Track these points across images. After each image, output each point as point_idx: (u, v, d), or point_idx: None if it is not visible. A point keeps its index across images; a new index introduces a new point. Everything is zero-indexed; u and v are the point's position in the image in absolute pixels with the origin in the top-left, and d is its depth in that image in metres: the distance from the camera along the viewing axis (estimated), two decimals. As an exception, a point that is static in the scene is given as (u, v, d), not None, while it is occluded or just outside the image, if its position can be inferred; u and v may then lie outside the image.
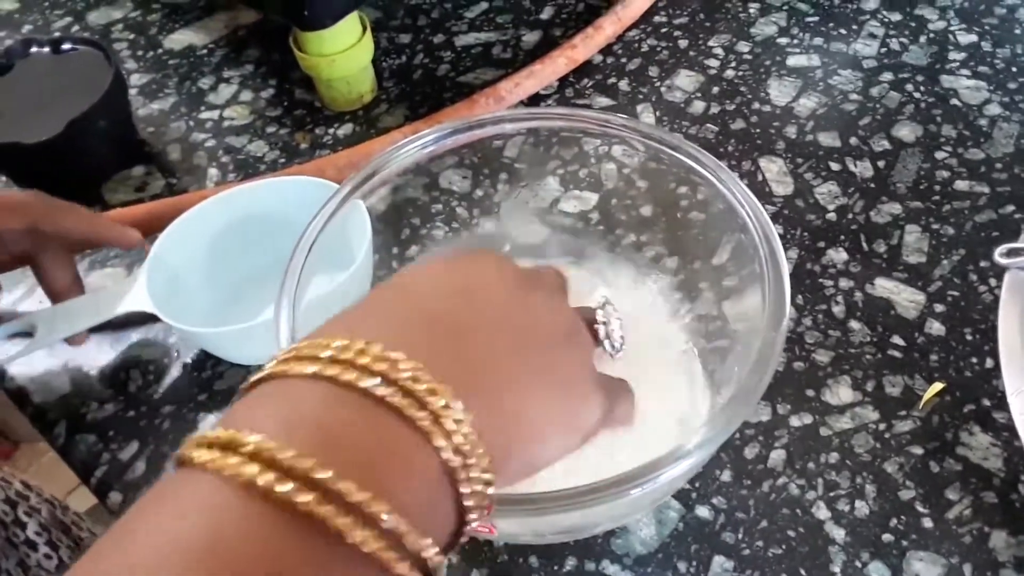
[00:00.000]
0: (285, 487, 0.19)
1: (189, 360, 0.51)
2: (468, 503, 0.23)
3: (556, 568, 0.42)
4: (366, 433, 0.21)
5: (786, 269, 0.37)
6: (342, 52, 0.60)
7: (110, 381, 0.50)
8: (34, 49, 0.62)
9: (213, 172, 0.61)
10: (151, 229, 0.52)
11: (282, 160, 0.62)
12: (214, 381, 0.50)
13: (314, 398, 0.21)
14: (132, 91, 0.68)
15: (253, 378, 0.23)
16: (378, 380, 0.22)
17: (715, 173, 0.41)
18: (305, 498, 0.19)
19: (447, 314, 0.26)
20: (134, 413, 0.49)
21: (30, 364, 0.52)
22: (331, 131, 0.63)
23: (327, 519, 0.19)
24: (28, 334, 0.49)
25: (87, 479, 0.47)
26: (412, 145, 0.45)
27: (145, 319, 0.51)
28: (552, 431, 0.28)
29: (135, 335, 0.52)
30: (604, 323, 0.35)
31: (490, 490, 0.24)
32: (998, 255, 0.39)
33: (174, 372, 0.51)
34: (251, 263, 0.52)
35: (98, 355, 0.52)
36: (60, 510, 0.59)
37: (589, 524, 0.41)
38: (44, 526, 0.55)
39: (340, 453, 0.20)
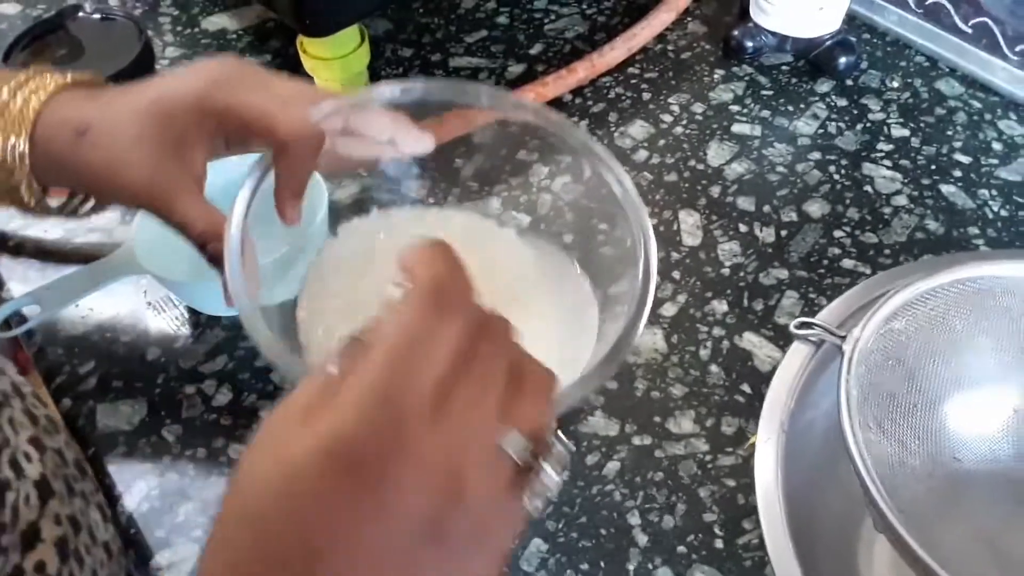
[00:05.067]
0: None
1: (144, 294, 0.60)
2: None
3: (403, 524, 0.49)
4: None
5: (649, 300, 0.41)
6: (338, 58, 0.69)
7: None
8: (82, 14, 0.71)
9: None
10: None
11: (273, 143, 0.70)
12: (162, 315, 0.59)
13: None
14: (164, 62, 0.77)
15: None
16: None
17: (636, 212, 0.46)
18: None
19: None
20: (98, 338, 0.58)
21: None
22: (321, 125, 0.72)
23: None
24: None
25: (48, 383, 0.57)
26: None
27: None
28: None
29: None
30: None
31: None
32: (793, 326, 0.45)
33: (132, 305, 0.60)
34: None
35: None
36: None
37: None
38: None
39: None
